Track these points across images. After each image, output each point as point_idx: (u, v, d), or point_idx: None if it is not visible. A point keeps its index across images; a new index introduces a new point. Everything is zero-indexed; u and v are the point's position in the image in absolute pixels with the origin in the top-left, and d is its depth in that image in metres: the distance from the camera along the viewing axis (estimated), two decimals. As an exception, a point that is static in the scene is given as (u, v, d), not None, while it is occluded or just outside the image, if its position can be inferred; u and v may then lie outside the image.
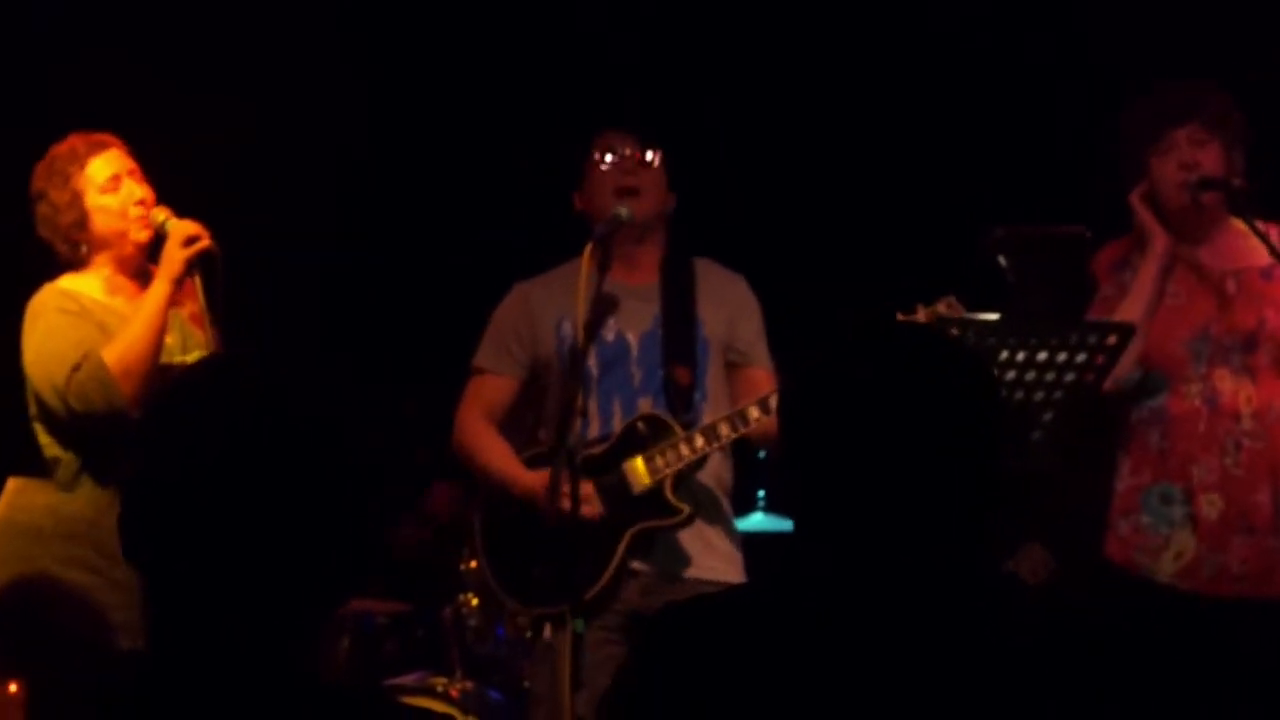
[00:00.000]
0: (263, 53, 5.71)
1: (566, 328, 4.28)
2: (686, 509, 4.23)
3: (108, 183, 4.15)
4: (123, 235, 4.17)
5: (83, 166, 4.15)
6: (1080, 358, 3.64)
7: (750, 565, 4.42)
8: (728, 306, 4.39)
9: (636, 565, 4.23)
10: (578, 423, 4.11)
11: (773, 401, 4.15)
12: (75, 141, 4.19)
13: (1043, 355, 3.60)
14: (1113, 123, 4.20)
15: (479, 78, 6.28)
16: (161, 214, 4.17)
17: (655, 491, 4.22)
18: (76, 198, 4.14)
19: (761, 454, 4.35)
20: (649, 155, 4.34)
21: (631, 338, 4.32)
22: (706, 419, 4.30)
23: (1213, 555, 4.04)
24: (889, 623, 2.02)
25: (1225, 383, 4.07)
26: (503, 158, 6.25)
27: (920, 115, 5.96)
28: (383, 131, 6.29)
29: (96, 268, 4.19)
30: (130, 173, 4.19)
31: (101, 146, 4.18)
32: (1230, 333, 4.09)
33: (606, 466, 4.22)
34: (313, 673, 1.84)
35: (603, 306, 4.27)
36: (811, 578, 2.07)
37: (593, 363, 4.27)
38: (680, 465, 4.23)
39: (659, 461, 4.21)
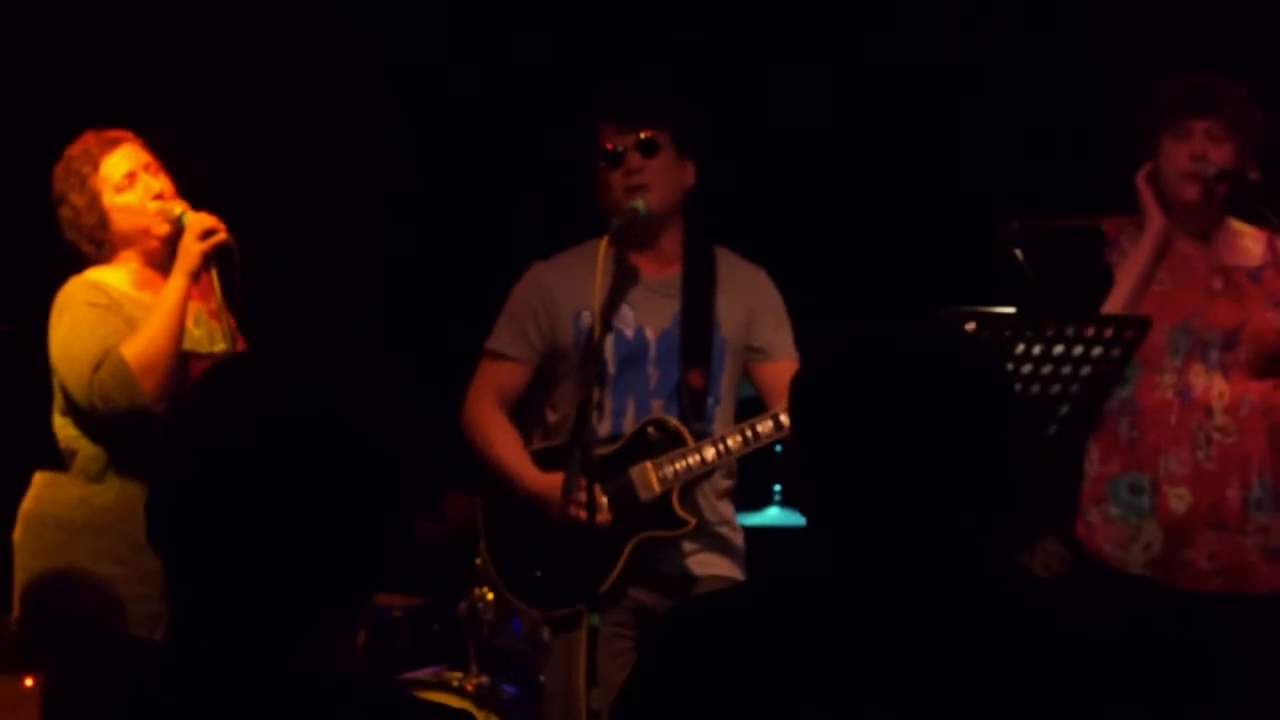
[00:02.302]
0: (279, 45, 5.71)
1: (585, 318, 4.24)
2: (692, 521, 4.23)
3: (123, 180, 4.15)
4: (145, 231, 4.18)
5: (97, 166, 4.15)
6: (1096, 351, 3.63)
7: (765, 560, 4.41)
8: (747, 303, 4.37)
9: (640, 569, 4.23)
10: (594, 424, 4.11)
11: (785, 418, 4.14)
12: (89, 141, 4.19)
13: (1059, 349, 3.59)
14: (1131, 99, 4.20)
15: (500, 73, 6.28)
16: (178, 207, 4.18)
17: (663, 500, 4.21)
18: (95, 199, 4.14)
19: (778, 448, 4.34)
20: (653, 144, 4.28)
21: (650, 335, 4.30)
22: (719, 423, 4.30)
23: (1179, 549, 4.05)
24: (900, 621, 2.02)
25: (1199, 377, 4.08)
26: (520, 160, 6.25)
27: (936, 106, 5.95)
28: (401, 129, 6.29)
29: (123, 262, 4.20)
30: (146, 167, 4.19)
31: (114, 143, 4.19)
32: (1211, 328, 4.10)
33: (615, 469, 4.21)
34: (331, 667, 1.84)
35: (619, 302, 4.27)
36: (822, 575, 2.07)
37: (610, 357, 4.26)
38: (689, 477, 4.22)
39: (668, 471, 4.20)
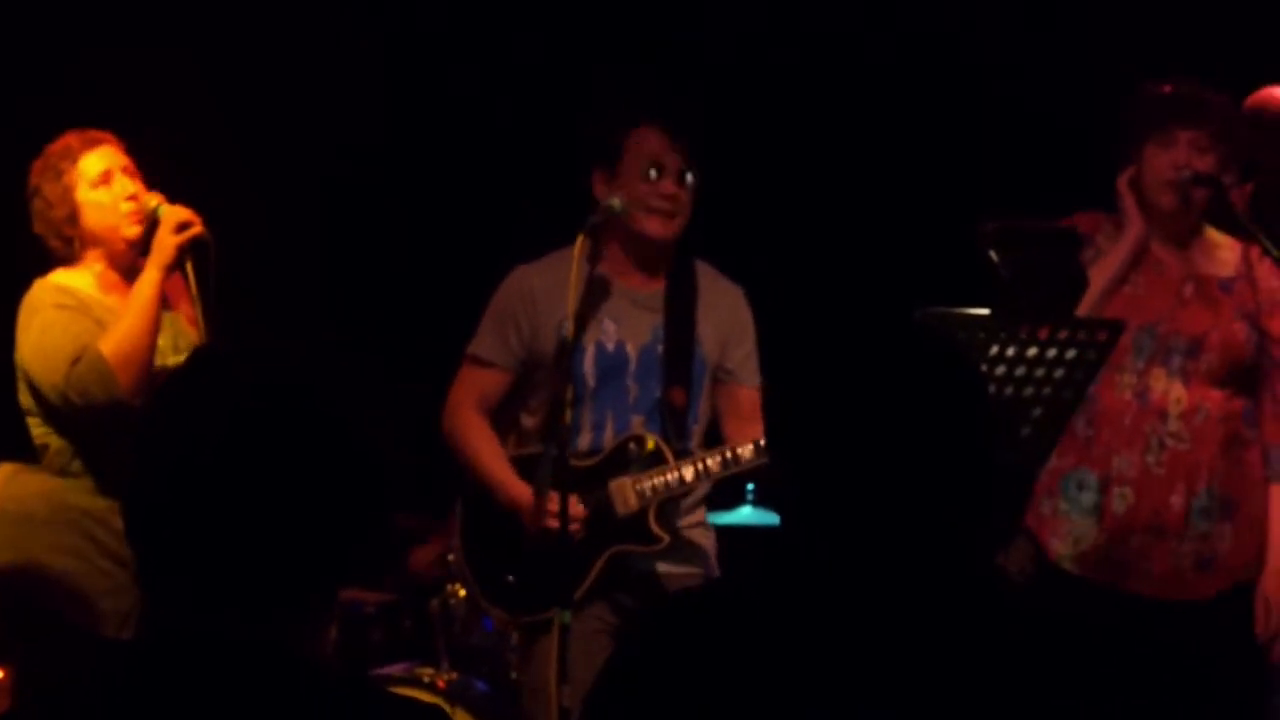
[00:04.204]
0: (278, 45, 5.71)
1: (568, 328, 4.21)
2: (666, 538, 4.25)
3: (99, 177, 4.16)
4: (114, 230, 4.18)
5: (75, 162, 4.16)
6: (1070, 354, 3.63)
7: (738, 558, 4.41)
8: (724, 324, 4.38)
9: (613, 580, 4.24)
10: (568, 433, 4.11)
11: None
12: (70, 138, 4.20)
13: (1033, 351, 3.59)
14: (1117, 103, 4.21)
15: (497, 73, 6.27)
16: (154, 200, 4.18)
17: (639, 516, 4.22)
18: (68, 192, 4.15)
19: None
20: (689, 175, 4.27)
21: (631, 349, 4.30)
22: (696, 439, 4.31)
23: (1113, 548, 4.08)
24: (876, 621, 2.02)
25: (1159, 381, 4.11)
26: (505, 154, 6.24)
27: (913, 108, 5.96)
28: (386, 122, 6.28)
29: (88, 264, 4.20)
30: (124, 169, 4.20)
31: (95, 143, 4.20)
32: (1176, 334, 4.12)
33: (593, 482, 4.22)
34: (308, 660, 1.85)
35: (601, 315, 4.26)
36: (798, 575, 2.07)
37: (590, 371, 4.26)
38: (667, 494, 4.23)
39: (647, 487, 4.22)
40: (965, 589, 2.05)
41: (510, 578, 4.28)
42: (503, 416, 4.41)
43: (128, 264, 4.20)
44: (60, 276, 4.19)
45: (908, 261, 5.56)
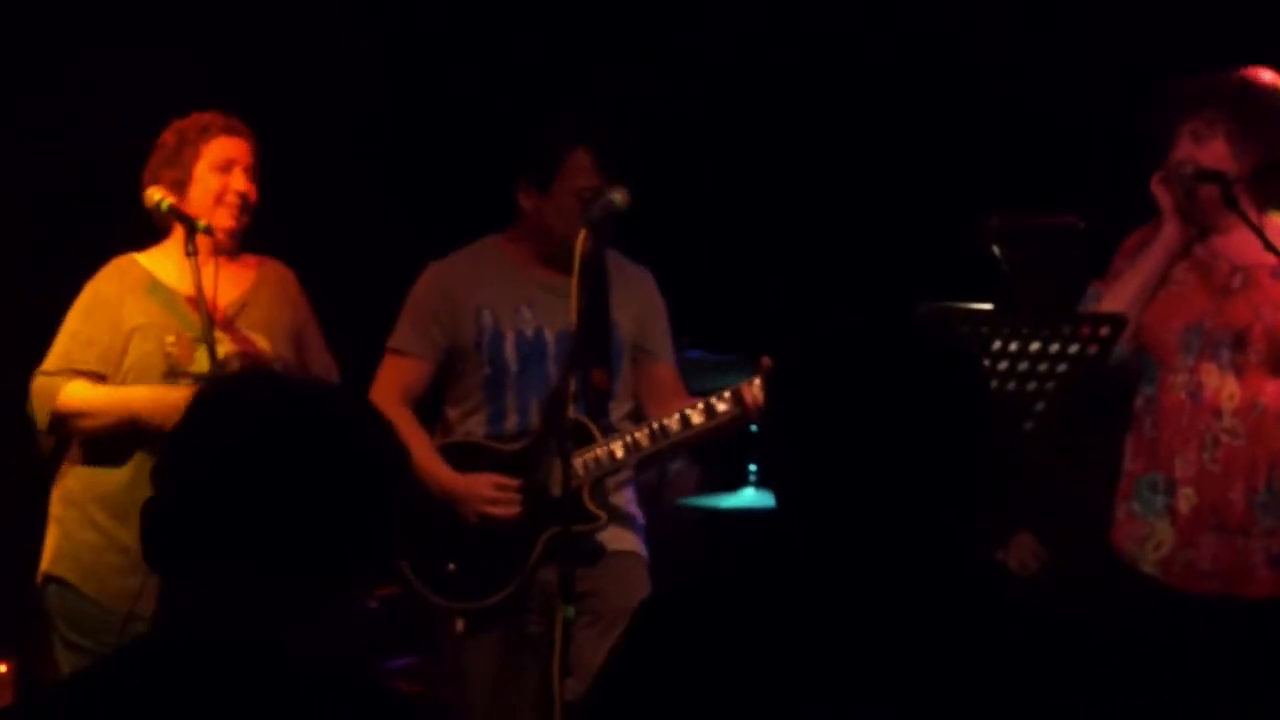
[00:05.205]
0: (264, 38, 5.71)
1: (486, 318, 4.37)
2: (603, 516, 4.33)
3: (222, 163, 4.26)
4: (209, 214, 4.22)
5: (209, 140, 4.25)
6: (1073, 348, 3.64)
7: (740, 540, 4.45)
8: (637, 305, 4.49)
9: (553, 560, 4.26)
10: (571, 429, 4.14)
11: (695, 418, 4.24)
12: (215, 117, 4.31)
13: (1035, 345, 3.60)
14: (1147, 108, 4.20)
15: (499, 73, 6.27)
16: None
17: (574, 495, 4.24)
18: (189, 162, 4.24)
19: (754, 428, 4.38)
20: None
21: (550, 335, 4.39)
22: (616, 415, 4.39)
23: (1185, 549, 4.02)
24: (876, 619, 2.02)
25: (1210, 377, 4.04)
26: (505, 154, 6.23)
27: (915, 101, 5.96)
28: (386, 122, 6.28)
29: (177, 238, 4.24)
30: (246, 168, 4.28)
31: (233, 131, 4.30)
32: (1223, 327, 4.04)
33: (527, 464, 4.28)
34: (312, 657, 1.86)
35: (518, 303, 4.38)
36: (800, 567, 2.07)
37: (512, 356, 4.35)
38: (599, 472, 4.31)
39: (579, 467, 4.25)
40: (966, 586, 2.05)
41: (451, 566, 4.31)
42: (425, 408, 4.48)
43: (212, 247, 4.23)
44: (144, 256, 4.29)
45: (909, 260, 5.56)
